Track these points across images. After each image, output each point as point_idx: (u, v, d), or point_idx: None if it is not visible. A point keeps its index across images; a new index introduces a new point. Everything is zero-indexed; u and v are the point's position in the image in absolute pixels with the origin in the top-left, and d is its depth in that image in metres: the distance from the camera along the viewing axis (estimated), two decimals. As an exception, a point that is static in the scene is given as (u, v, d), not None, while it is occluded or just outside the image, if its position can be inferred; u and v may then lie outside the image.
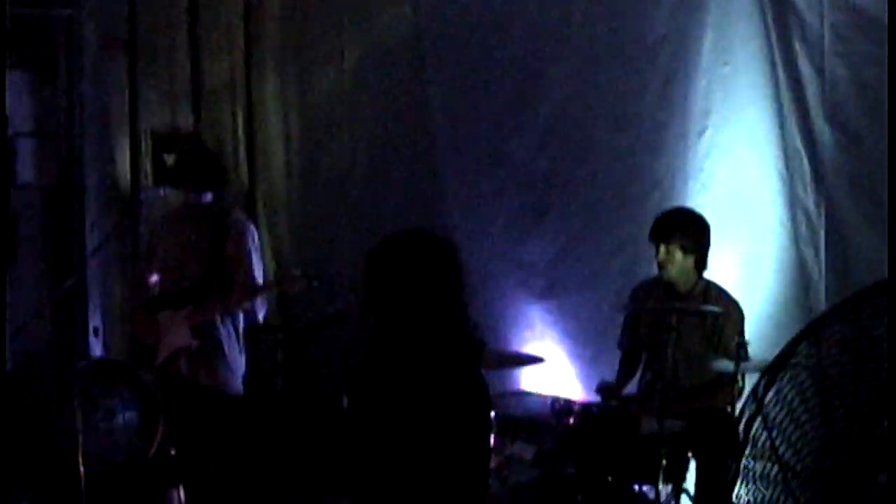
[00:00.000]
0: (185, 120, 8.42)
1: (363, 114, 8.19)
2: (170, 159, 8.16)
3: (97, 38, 7.75)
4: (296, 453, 6.63)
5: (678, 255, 5.37)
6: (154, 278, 5.88)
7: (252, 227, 5.97)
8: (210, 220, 5.84)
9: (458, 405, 3.40)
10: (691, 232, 5.41)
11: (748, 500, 3.41)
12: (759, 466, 3.38)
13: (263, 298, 5.89)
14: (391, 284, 3.43)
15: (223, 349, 5.79)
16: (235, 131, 8.73)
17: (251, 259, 5.81)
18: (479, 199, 7.30)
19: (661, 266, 5.42)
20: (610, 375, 5.74)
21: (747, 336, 5.23)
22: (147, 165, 8.15)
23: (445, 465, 3.35)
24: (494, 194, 7.20)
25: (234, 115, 8.75)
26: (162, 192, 7.50)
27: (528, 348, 6.75)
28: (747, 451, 3.41)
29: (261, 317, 5.94)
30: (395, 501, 3.41)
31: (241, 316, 5.88)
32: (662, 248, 5.38)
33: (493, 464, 5.16)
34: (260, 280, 5.89)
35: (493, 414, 5.26)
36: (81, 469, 5.67)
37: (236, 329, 5.87)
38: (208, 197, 5.87)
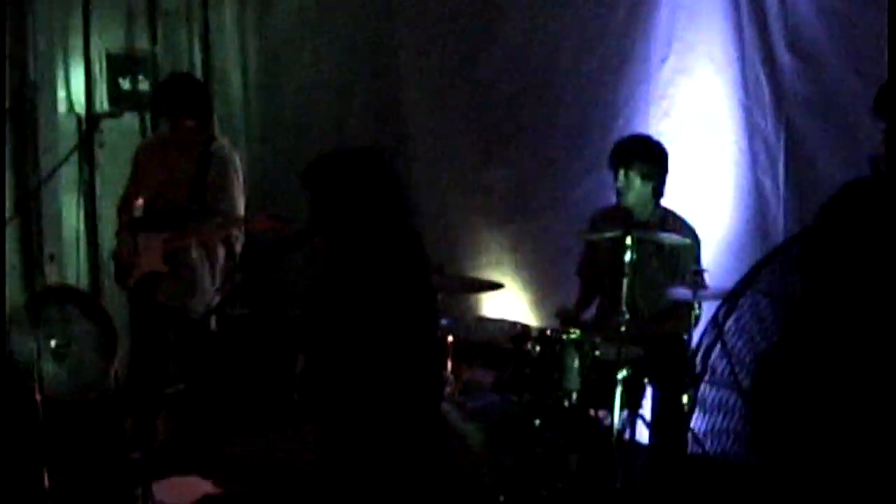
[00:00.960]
0: (141, 43, 8.28)
1: (325, 39, 8.11)
2: (143, 84, 8.09)
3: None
4: (257, 378, 6.63)
5: (637, 182, 5.36)
6: (139, 202, 5.83)
7: (236, 157, 5.94)
8: (194, 148, 5.82)
9: (410, 309, 3.50)
10: (651, 159, 5.39)
11: (706, 429, 3.42)
12: (717, 394, 3.39)
13: (241, 230, 5.85)
14: (330, 198, 3.59)
15: (196, 277, 5.77)
16: (192, 56, 8.61)
17: (233, 189, 5.79)
18: (442, 124, 7.28)
19: (619, 193, 5.41)
20: (569, 302, 5.73)
21: (705, 264, 5.26)
22: (103, 88, 8.03)
23: (401, 368, 3.44)
24: (458, 119, 7.17)
25: (190, 39, 8.62)
26: (117, 115, 7.44)
27: (488, 274, 6.75)
28: (706, 379, 3.41)
29: (238, 246, 5.91)
30: (355, 415, 3.45)
31: (218, 245, 5.86)
32: (622, 175, 5.37)
33: (450, 389, 5.19)
34: (241, 211, 5.86)
35: (450, 338, 5.29)
36: (38, 395, 5.63)
37: (211, 258, 5.85)
38: (188, 123, 5.82)
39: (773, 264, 3.32)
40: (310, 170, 3.68)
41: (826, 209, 3.47)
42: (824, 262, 3.16)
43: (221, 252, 5.89)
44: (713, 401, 3.38)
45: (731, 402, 3.33)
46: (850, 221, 3.21)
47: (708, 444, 3.40)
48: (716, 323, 3.34)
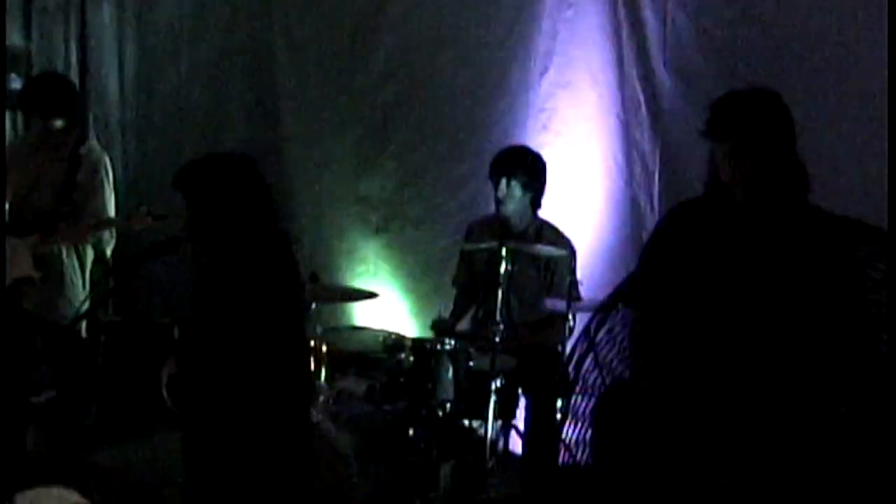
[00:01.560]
0: (16, 40, 8.08)
1: (203, 41, 8.02)
2: (16, 83, 7.87)
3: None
4: (126, 385, 6.50)
5: (518, 191, 5.38)
6: (6, 207, 5.67)
7: (106, 158, 5.80)
8: (63, 149, 5.66)
9: (277, 312, 3.59)
10: (531, 170, 5.42)
11: (576, 439, 3.44)
12: (587, 405, 3.41)
13: (112, 232, 5.73)
14: (199, 203, 3.64)
15: (66, 282, 5.63)
16: (67, 54, 8.43)
17: (103, 190, 5.66)
18: (319, 131, 7.24)
19: (499, 202, 5.42)
20: (445, 312, 5.73)
21: (580, 275, 5.29)
22: (-29, 86, 7.81)
23: (268, 370, 3.52)
24: (335, 127, 7.14)
25: (66, 38, 8.44)
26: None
27: (363, 283, 6.72)
28: (577, 389, 3.43)
29: (108, 250, 5.79)
30: (223, 419, 3.44)
31: (88, 249, 5.72)
32: (503, 184, 5.38)
33: (324, 398, 5.14)
34: (111, 213, 5.73)
35: (324, 347, 5.25)
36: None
37: (81, 262, 5.72)
38: (58, 124, 5.67)
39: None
40: (180, 174, 3.71)
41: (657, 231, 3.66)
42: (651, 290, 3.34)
43: (90, 256, 5.76)
44: (584, 411, 3.40)
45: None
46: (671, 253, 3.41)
47: (579, 454, 3.43)
48: (588, 334, 3.38)
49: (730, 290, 3.18)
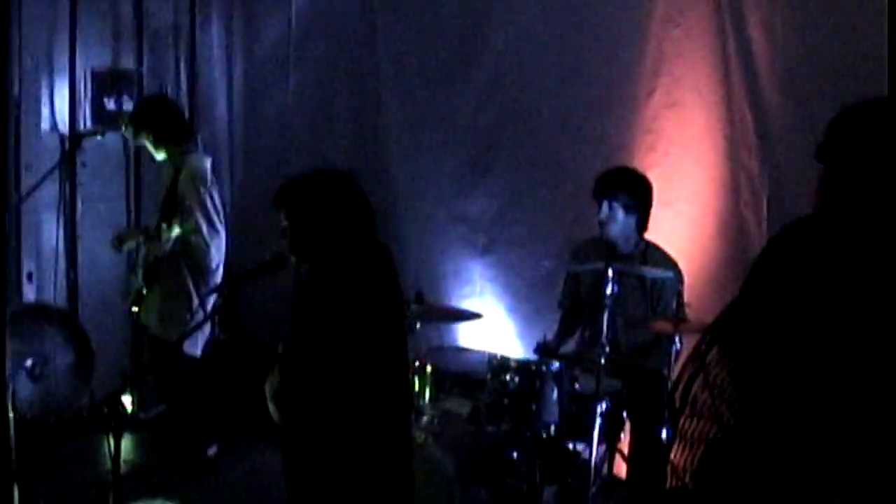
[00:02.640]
0: (127, 62, 8.26)
1: (308, 63, 8.13)
2: (128, 104, 8.08)
3: (39, -26, 7.56)
4: (234, 402, 6.59)
5: (620, 213, 5.35)
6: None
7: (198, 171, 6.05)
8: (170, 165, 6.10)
9: (379, 330, 3.63)
10: (634, 191, 5.39)
11: (686, 462, 3.37)
12: (698, 426, 3.36)
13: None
14: (300, 220, 3.72)
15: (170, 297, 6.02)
16: (178, 76, 8.60)
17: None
18: (422, 153, 7.28)
19: (602, 224, 5.40)
20: (549, 333, 5.71)
21: (687, 298, 5.24)
22: (87, 107, 8.00)
23: (370, 388, 3.56)
24: (438, 148, 7.17)
25: (177, 59, 8.61)
26: (101, 135, 7.43)
27: (468, 304, 6.73)
28: (686, 412, 3.37)
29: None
30: (325, 435, 3.46)
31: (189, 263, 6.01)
32: (605, 206, 5.36)
33: (427, 418, 5.15)
34: (197, 226, 5.98)
35: (429, 367, 5.26)
36: (11, 415, 5.58)
37: (182, 277, 6.02)
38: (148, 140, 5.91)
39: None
40: (280, 192, 3.79)
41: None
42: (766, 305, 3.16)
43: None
44: (693, 433, 3.34)
45: (713, 434, 3.30)
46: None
47: (687, 478, 3.37)
48: (698, 354, 3.31)
49: (841, 324, 3.07)
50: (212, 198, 6.01)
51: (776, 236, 3.37)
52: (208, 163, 6.19)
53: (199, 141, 6.44)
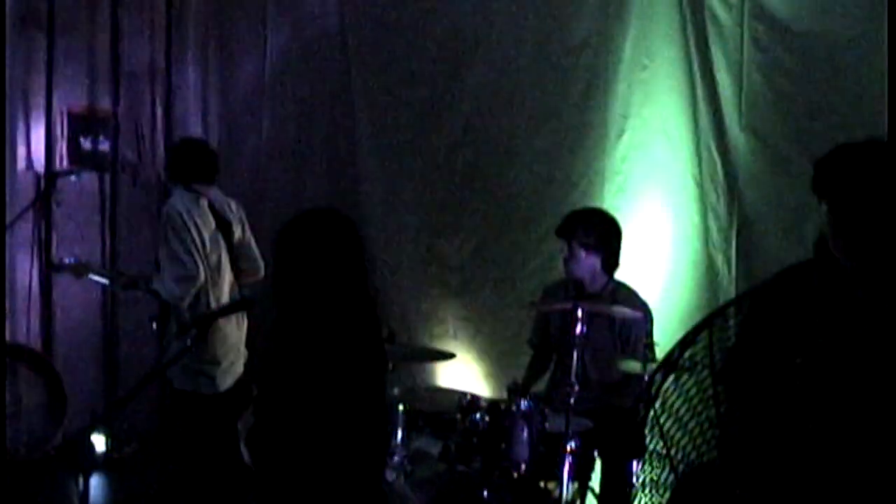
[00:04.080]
0: (103, 102, 8.30)
1: (285, 102, 8.20)
2: (104, 144, 8.11)
3: (15, 14, 7.59)
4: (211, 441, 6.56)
5: (581, 253, 5.38)
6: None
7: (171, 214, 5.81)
8: None
9: (365, 377, 3.57)
10: (594, 230, 5.41)
11: None
12: (653, 473, 3.37)
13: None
14: (299, 257, 3.58)
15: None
16: (154, 115, 8.63)
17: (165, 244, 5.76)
18: (397, 192, 7.33)
19: (565, 263, 5.44)
20: (521, 374, 5.73)
21: (658, 337, 5.27)
22: (63, 147, 8.02)
23: (348, 431, 3.50)
24: (412, 187, 7.22)
25: (153, 99, 8.66)
26: (75, 176, 7.45)
27: (440, 344, 6.75)
28: (645, 456, 3.38)
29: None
30: (300, 477, 3.44)
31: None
32: (565, 246, 5.41)
33: (398, 457, 5.16)
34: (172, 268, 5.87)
35: (400, 407, 5.27)
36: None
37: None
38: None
39: (694, 339, 3.29)
40: (288, 228, 3.64)
41: (762, 290, 3.41)
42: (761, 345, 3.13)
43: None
44: (649, 478, 3.35)
45: (665, 478, 3.30)
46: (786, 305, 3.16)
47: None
48: (650, 391, 3.31)
49: (834, 362, 3.03)
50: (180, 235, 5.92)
51: (770, 281, 3.31)
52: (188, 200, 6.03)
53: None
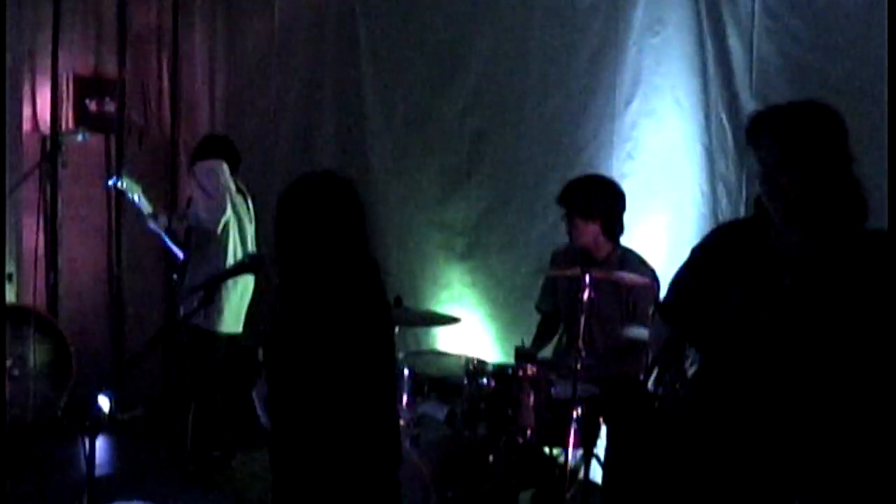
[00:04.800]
0: (110, 65, 8.28)
1: (292, 67, 8.16)
2: (110, 106, 8.14)
3: (23, -25, 7.57)
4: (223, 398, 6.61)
5: (579, 221, 5.37)
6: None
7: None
8: None
9: (371, 341, 3.53)
10: (591, 198, 5.38)
11: None
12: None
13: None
14: (298, 223, 3.52)
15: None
16: (160, 79, 8.62)
17: None
18: (405, 158, 7.32)
19: (568, 232, 5.43)
20: (527, 339, 5.72)
21: (665, 303, 5.25)
22: (68, 108, 8.01)
23: (357, 396, 3.47)
24: (420, 153, 7.20)
25: (159, 62, 8.64)
26: (81, 136, 7.44)
27: (446, 308, 6.75)
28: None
29: None
30: (314, 448, 3.44)
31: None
32: (564, 214, 5.41)
33: (404, 421, 5.16)
34: None
35: (406, 371, 5.27)
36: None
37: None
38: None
39: None
40: (288, 193, 3.58)
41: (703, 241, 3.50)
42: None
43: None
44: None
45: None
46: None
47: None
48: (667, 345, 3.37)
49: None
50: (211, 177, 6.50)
51: (706, 236, 3.41)
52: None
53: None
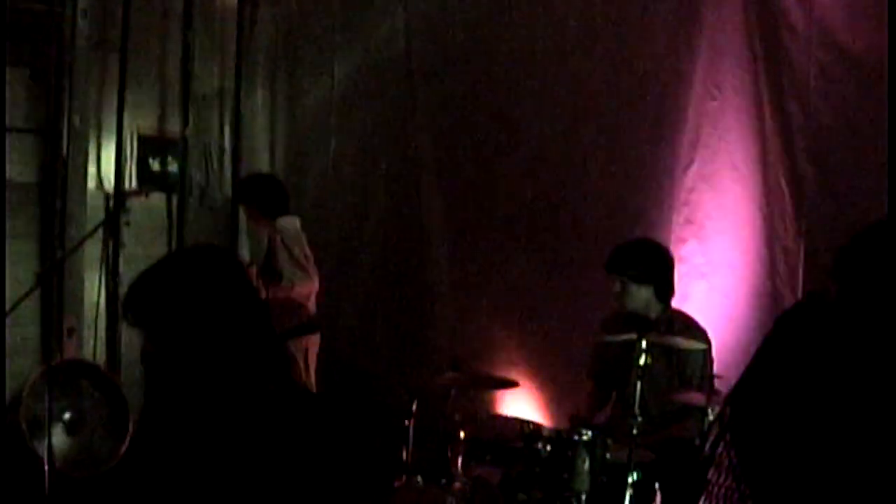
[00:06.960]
0: (173, 125, 8.41)
1: (350, 128, 8.23)
2: (172, 165, 8.26)
3: (90, 37, 7.72)
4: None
5: (632, 286, 5.38)
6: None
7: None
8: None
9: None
10: (641, 263, 5.41)
11: None
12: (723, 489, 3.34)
13: None
14: (173, 300, 2.92)
15: None
16: (222, 139, 8.73)
17: None
18: (463, 219, 7.31)
19: (617, 297, 5.43)
20: (582, 406, 5.71)
21: (721, 370, 5.21)
22: (132, 168, 8.14)
23: None
24: (479, 218, 7.20)
25: (221, 123, 8.76)
26: (145, 195, 7.55)
27: (504, 372, 6.73)
28: (712, 473, 3.36)
29: None
30: None
31: None
32: (616, 281, 5.40)
33: (459, 485, 5.15)
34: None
35: (462, 434, 5.25)
36: (47, 467, 5.64)
37: None
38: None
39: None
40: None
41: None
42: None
43: None
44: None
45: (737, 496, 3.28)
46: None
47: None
48: (721, 420, 3.29)
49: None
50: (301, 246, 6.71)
51: (786, 312, 3.33)
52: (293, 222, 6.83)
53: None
